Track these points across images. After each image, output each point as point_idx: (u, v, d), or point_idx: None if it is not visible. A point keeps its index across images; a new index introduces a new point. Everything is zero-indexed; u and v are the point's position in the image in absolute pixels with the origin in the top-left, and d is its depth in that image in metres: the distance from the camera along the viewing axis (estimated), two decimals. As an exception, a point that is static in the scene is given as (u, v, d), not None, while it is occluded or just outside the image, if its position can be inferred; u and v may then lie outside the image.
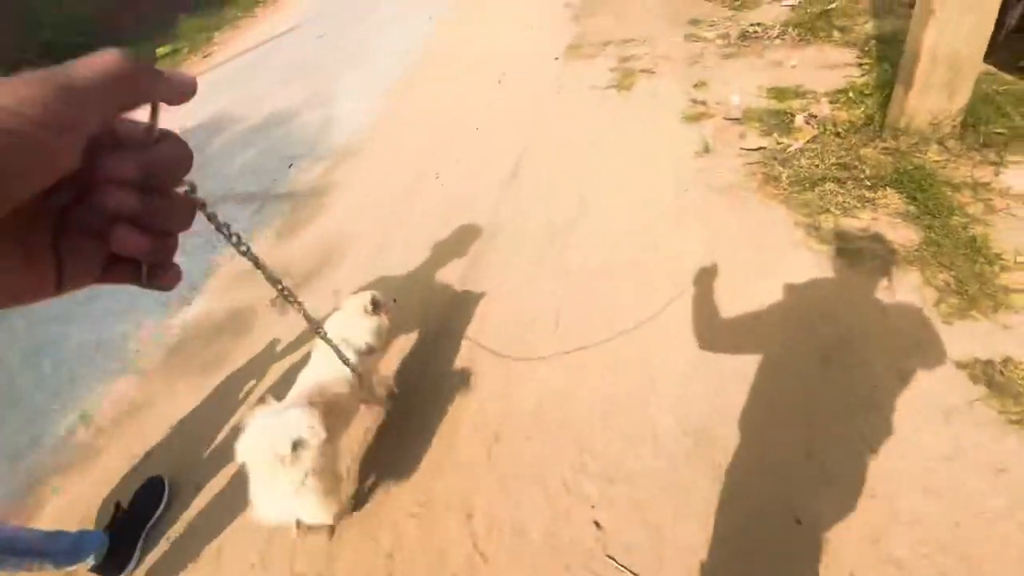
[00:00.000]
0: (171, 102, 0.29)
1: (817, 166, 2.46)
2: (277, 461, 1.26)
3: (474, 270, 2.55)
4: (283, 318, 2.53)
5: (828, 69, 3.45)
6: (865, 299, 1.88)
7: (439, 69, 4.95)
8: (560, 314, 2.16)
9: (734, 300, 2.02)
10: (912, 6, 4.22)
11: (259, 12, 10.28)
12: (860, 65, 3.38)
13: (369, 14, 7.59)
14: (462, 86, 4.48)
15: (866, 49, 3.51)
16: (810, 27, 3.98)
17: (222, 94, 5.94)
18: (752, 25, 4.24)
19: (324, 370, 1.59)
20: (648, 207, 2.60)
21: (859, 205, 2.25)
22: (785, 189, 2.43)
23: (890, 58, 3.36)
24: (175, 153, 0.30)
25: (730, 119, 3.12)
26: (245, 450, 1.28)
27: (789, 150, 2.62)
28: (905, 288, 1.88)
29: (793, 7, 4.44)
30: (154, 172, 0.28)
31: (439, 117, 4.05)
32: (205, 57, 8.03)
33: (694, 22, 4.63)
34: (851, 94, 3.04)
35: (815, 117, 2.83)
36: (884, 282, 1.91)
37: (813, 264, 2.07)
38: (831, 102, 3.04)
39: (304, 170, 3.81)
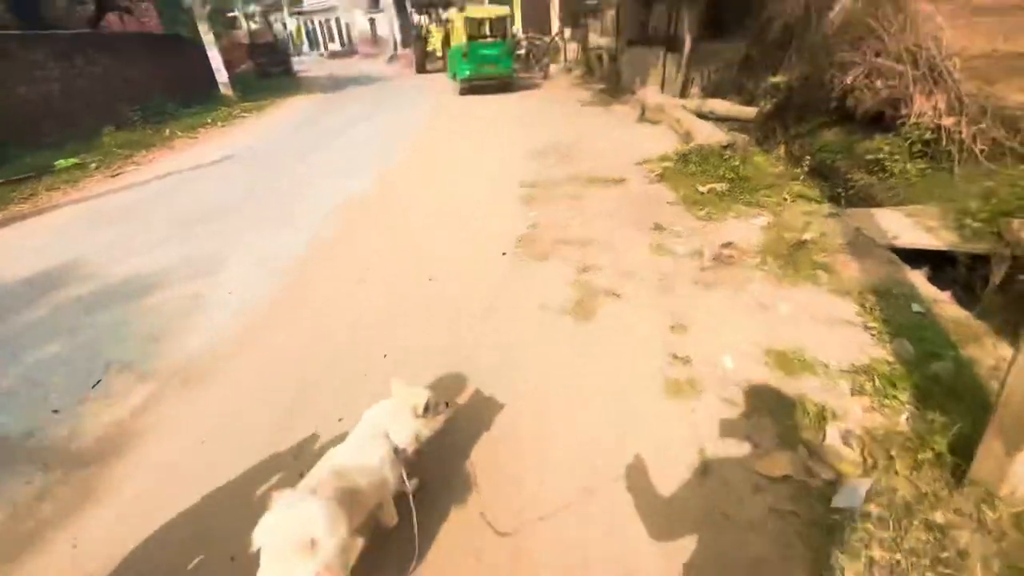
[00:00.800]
0: None
1: (897, 560, 1.51)
2: (291, 553, 1.21)
3: None
4: None
5: (828, 326, 2.80)
6: None
7: (355, 250, 4.08)
8: None
9: None
10: (892, 250, 3.98)
11: (202, 134, 9.72)
12: (867, 328, 2.76)
13: (311, 161, 7.03)
14: (378, 281, 3.55)
15: (866, 305, 2.95)
16: (791, 260, 3.50)
17: (91, 232, 4.78)
18: (724, 246, 3.75)
19: (356, 456, 1.54)
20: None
21: None
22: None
23: (897, 323, 2.79)
24: None
25: (729, 401, 2.27)
26: (263, 535, 1.24)
27: (839, 507, 1.69)
28: None
29: (763, 228, 4.08)
30: None
31: (334, 331, 3.00)
32: (113, 176, 7.02)
33: (659, 228, 4.15)
34: (877, 382, 2.30)
35: (851, 433, 2.00)
36: None
37: None
38: (856, 391, 2.28)
39: (110, 396, 2.52)
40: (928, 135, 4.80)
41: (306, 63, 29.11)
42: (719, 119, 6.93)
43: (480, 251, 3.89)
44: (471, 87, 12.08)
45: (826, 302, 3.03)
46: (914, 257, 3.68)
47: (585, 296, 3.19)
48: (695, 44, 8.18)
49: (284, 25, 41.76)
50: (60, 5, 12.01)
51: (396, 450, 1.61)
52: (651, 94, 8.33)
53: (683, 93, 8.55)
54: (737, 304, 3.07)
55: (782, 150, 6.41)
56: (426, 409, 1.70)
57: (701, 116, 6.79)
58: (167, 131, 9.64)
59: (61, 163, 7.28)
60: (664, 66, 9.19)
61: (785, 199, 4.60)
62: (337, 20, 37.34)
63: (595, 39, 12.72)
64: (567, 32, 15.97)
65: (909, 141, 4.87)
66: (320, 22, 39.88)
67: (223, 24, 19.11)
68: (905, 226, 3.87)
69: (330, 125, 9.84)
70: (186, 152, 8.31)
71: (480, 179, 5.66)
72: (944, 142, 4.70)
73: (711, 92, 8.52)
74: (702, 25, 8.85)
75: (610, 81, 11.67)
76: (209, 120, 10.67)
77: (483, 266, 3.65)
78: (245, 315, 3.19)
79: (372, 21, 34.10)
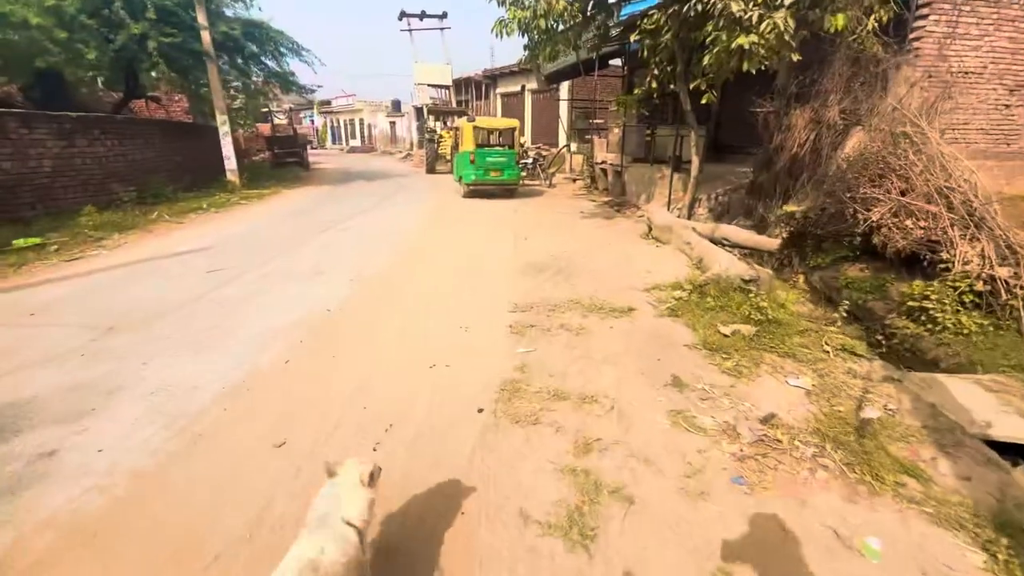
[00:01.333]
0: None
1: None
2: None
3: None
4: None
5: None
6: None
7: (289, 393, 3.18)
8: None
9: None
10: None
11: (191, 219, 9.33)
12: (1013, 603, 1.80)
13: (287, 259, 6.43)
14: (304, 446, 2.60)
15: (997, 556, 2.00)
16: (860, 453, 2.61)
17: (-9, 337, 3.96)
18: (765, 421, 2.89)
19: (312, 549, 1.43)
20: None
21: None
22: None
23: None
24: None
25: None
26: None
27: None
28: None
29: (808, 394, 3.25)
30: None
31: (209, 540, 2.04)
32: (69, 261, 6.38)
33: (677, 384, 3.31)
34: None
35: None
36: None
37: None
38: None
39: None
40: (980, 286, 4.14)
41: (324, 155, 30.58)
42: (732, 245, 6.43)
43: (449, 404, 3.02)
44: (474, 191, 12.06)
45: (932, 538, 2.09)
46: (1004, 445, 2.82)
47: (585, 499, 2.26)
48: (701, 165, 8.04)
49: (312, 121, 45.01)
50: (85, 92, 12.44)
51: (359, 532, 1.53)
52: (657, 212, 8.02)
53: (690, 213, 8.26)
54: (801, 534, 2.12)
55: (801, 280, 5.84)
56: (372, 477, 1.68)
57: (713, 242, 6.30)
58: (155, 214, 9.29)
59: (19, 242, 6.69)
60: (670, 185, 9.04)
61: (826, 351, 3.83)
62: (361, 121, 40.29)
63: (600, 154, 13.02)
64: (574, 146, 16.61)
65: (958, 290, 4.20)
66: (345, 121, 43.03)
67: (255, 118, 20.08)
68: (992, 406, 3.04)
69: (324, 218, 9.50)
70: (163, 238, 7.81)
71: (467, 297, 4.97)
72: (1003, 295, 4.03)
73: (719, 214, 8.25)
74: (707, 148, 8.88)
75: (614, 193, 11.65)
76: (204, 205, 10.41)
77: (449, 430, 2.76)
78: (93, 503, 2.22)
79: (392, 124, 36.74)
